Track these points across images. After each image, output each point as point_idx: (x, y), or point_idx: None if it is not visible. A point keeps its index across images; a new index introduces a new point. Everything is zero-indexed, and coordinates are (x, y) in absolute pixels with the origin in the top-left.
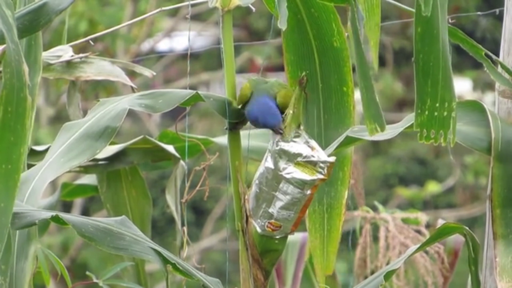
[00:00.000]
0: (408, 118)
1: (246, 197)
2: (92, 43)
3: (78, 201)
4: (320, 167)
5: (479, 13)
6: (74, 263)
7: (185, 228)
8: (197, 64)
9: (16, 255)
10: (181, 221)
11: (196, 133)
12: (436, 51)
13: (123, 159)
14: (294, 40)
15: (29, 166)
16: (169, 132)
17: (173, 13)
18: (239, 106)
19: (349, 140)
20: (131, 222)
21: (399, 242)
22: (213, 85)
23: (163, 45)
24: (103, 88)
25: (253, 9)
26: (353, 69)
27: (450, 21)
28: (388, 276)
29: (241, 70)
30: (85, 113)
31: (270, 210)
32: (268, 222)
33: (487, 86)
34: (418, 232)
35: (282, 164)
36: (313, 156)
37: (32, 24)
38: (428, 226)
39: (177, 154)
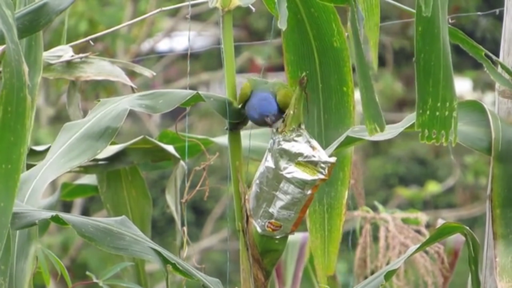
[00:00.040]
0: (409, 118)
1: (246, 197)
2: (92, 43)
3: (78, 201)
4: (321, 167)
5: (479, 13)
6: (74, 263)
7: (185, 228)
8: (197, 64)
9: (16, 255)
10: (181, 221)
11: (196, 133)
12: (437, 50)
13: (123, 159)
14: (294, 40)
15: (29, 166)
16: (169, 132)
17: (173, 13)
18: (240, 106)
19: (349, 140)
20: (131, 222)
21: (399, 242)
22: (213, 85)
23: (163, 45)
24: (103, 88)
25: (253, 9)
26: (353, 69)
27: (450, 21)
28: (388, 276)
29: (241, 70)
30: (85, 113)
31: (271, 210)
32: (269, 222)
33: (487, 86)
34: (418, 232)
35: (283, 163)
36: (314, 156)
37: (32, 24)
38: (428, 226)
39: (177, 154)
